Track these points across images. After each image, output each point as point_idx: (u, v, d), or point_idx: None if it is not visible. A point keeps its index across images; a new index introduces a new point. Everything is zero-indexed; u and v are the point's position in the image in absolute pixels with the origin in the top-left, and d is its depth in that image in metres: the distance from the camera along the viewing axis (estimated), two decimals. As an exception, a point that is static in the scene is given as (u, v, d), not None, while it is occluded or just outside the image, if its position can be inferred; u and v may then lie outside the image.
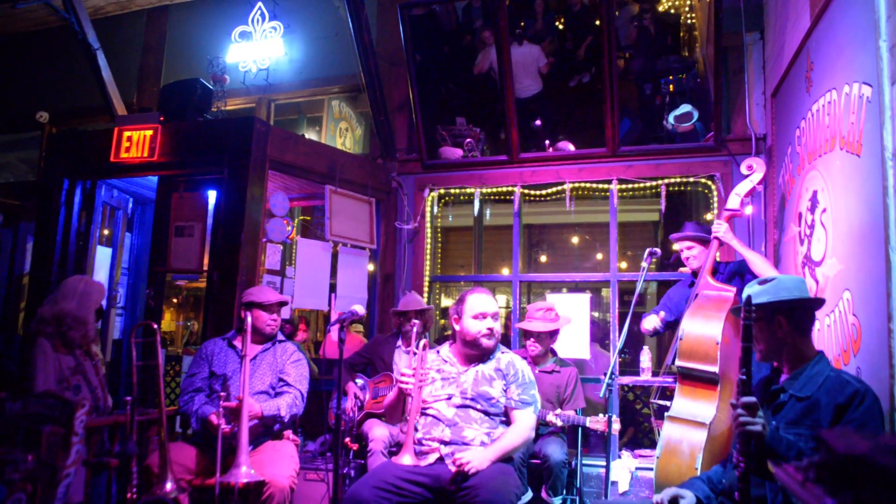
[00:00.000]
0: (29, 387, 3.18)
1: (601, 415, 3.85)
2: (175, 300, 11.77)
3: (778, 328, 2.21)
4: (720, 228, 3.59)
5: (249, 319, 3.46)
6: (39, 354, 3.24)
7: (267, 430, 3.44)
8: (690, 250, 3.84)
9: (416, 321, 4.27)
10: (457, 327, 3.04)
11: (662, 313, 3.95)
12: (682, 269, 4.21)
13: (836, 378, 2.06)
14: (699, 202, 5.86)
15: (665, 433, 3.00)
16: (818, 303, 2.33)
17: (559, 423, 3.87)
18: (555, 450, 3.76)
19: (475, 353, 3.02)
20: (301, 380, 3.59)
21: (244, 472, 3.00)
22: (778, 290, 2.22)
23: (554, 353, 4.33)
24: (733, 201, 3.66)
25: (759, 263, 3.50)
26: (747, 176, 3.68)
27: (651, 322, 3.93)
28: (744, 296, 2.28)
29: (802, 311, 2.24)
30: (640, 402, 5.54)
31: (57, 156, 4.86)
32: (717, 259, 3.87)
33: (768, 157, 4.50)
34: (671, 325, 3.98)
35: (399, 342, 4.42)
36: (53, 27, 6.81)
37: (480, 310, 3.00)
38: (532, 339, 4.19)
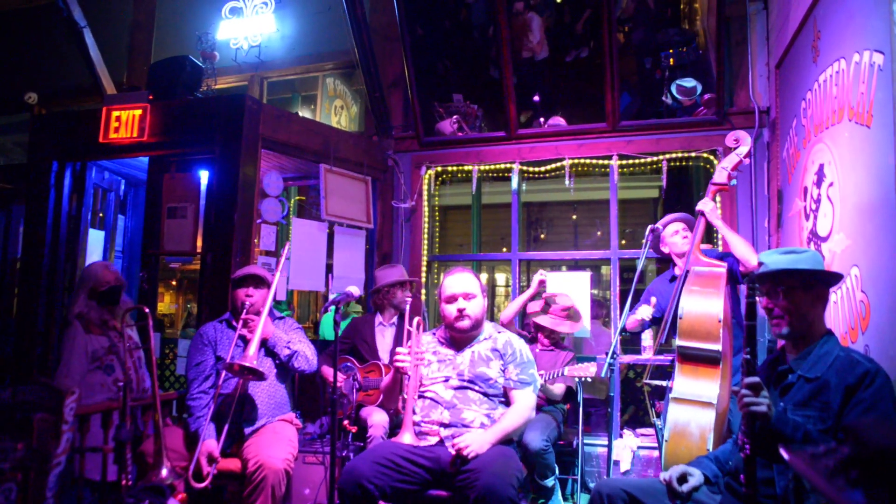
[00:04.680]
0: (63, 368, 3.52)
1: (582, 363, 3.88)
2: (173, 282, 11.74)
3: (816, 299, 2.10)
4: (707, 206, 3.52)
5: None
6: (69, 337, 3.58)
7: (279, 369, 3.45)
8: (685, 230, 3.78)
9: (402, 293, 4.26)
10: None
11: (654, 299, 3.86)
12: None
13: (845, 357, 1.99)
14: (700, 177, 5.77)
15: (671, 416, 2.94)
16: (837, 278, 2.23)
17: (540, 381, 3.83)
18: (533, 437, 3.62)
19: (456, 336, 2.97)
20: (308, 342, 3.57)
21: (250, 357, 3.13)
22: (815, 261, 2.11)
23: None
24: (720, 175, 3.58)
25: (740, 247, 3.43)
26: (733, 149, 3.60)
27: (644, 312, 3.81)
28: (770, 263, 2.15)
29: (828, 287, 2.16)
30: (640, 380, 5.51)
31: (44, 137, 4.75)
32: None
33: (772, 131, 4.41)
34: (656, 321, 3.92)
35: (378, 319, 4.34)
36: (39, 5, 6.66)
37: (450, 292, 2.93)
38: (545, 335, 4.29)
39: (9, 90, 6.83)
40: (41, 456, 2.58)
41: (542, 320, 4.28)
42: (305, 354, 3.46)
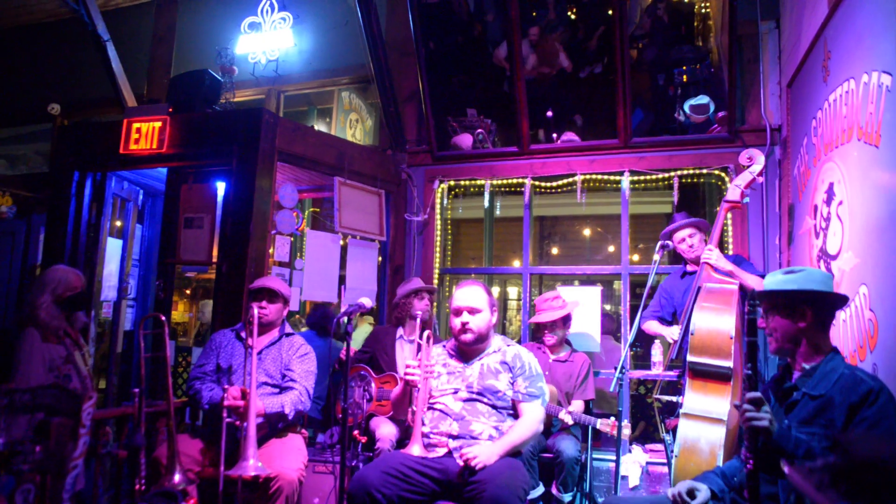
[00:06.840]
0: (12, 375, 3.20)
1: (612, 418, 3.83)
2: (188, 291, 11.85)
3: (801, 319, 2.14)
4: (711, 257, 3.54)
5: (255, 311, 3.42)
6: (27, 342, 3.27)
7: (272, 427, 3.40)
8: (692, 238, 3.84)
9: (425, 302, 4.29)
10: None
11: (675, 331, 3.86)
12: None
13: (850, 376, 2.01)
14: (712, 194, 5.78)
15: (682, 432, 2.94)
16: (843, 300, 2.26)
17: (570, 422, 3.86)
18: (568, 445, 3.76)
19: (463, 348, 3.00)
20: (307, 375, 3.52)
21: (251, 465, 2.97)
22: (808, 281, 2.15)
23: (568, 342, 4.38)
24: (733, 193, 3.62)
25: (752, 284, 3.47)
26: (747, 167, 3.63)
27: (671, 331, 3.83)
28: (765, 285, 2.23)
29: (829, 306, 2.18)
30: (651, 396, 5.50)
31: (66, 148, 4.85)
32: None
33: (783, 149, 4.42)
34: (666, 321, 3.96)
35: (399, 332, 4.39)
36: (64, 19, 6.82)
37: (456, 304, 2.99)
38: (546, 331, 4.25)
39: (32, 100, 6.99)
40: (59, 458, 2.64)
41: (532, 320, 4.38)
42: (296, 407, 3.38)
